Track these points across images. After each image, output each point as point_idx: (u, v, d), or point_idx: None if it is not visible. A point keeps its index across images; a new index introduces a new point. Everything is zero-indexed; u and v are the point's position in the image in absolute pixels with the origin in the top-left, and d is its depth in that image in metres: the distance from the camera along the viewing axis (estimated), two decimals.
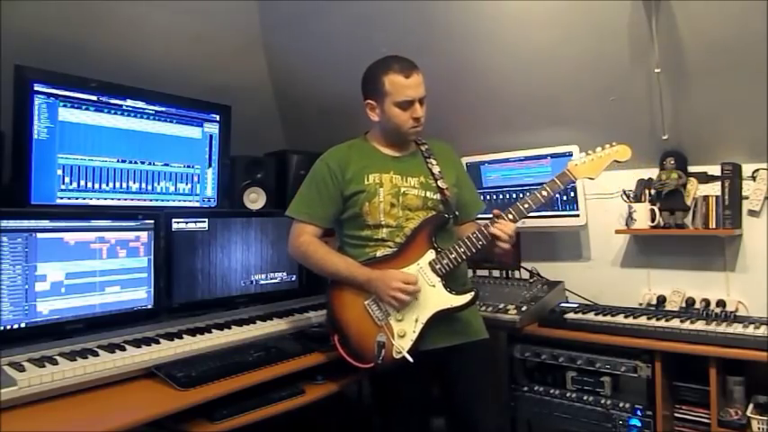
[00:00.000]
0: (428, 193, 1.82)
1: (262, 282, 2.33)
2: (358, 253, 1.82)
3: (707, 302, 2.28)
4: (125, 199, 2.16)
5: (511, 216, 1.72)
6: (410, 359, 1.67)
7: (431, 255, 1.74)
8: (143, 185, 2.20)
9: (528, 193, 1.76)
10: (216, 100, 2.43)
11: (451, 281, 1.75)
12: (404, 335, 1.70)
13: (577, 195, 2.46)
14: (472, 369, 1.83)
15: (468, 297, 1.73)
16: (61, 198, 1.98)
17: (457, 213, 1.85)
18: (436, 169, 1.86)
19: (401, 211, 1.79)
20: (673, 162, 2.31)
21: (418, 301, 1.71)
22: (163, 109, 2.24)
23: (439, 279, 1.73)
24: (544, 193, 1.75)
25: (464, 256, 1.74)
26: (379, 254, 1.79)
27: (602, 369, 2.10)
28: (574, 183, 1.78)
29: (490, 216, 1.75)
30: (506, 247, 1.72)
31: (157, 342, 1.77)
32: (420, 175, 1.84)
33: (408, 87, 1.74)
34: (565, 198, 2.50)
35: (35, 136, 1.90)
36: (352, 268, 1.75)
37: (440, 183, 1.84)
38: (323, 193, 1.82)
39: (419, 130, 1.81)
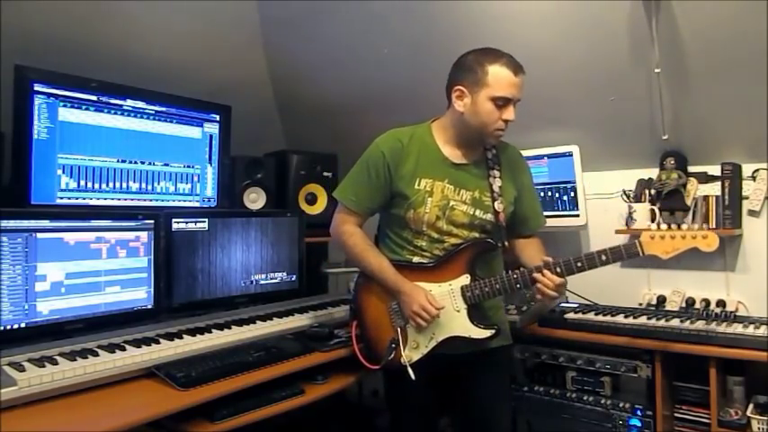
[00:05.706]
0: (477, 212, 1.74)
1: (262, 282, 2.33)
2: (396, 250, 1.80)
3: (707, 302, 2.27)
4: (125, 199, 2.16)
5: (559, 270, 1.63)
6: (412, 376, 1.65)
7: (465, 279, 1.70)
8: (143, 185, 2.20)
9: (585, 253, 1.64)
10: (216, 100, 2.43)
11: (478, 311, 1.72)
12: (416, 346, 1.70)
13: (577, 195, 2.45)
14: (493, 373, 1.81)
15: (487, 333, 1.69)
16: (61, 198, 1.98)
17: (506, 244, 1.77)
18: (497, 184, 1.75)
19: (446, 225, 1.73)
20: (673, 162, 2.31)
21: (440, 319, 1.67)
22: (163, 109, 2.24)
23: (465, 307, 1.69)
24: (603, 257, 1.62)
25: (497, 294, 1.70)
26: (415, 260, 1.76)
27: (602, 369, 2.10)
28: (639, 256, 1.62)
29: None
30: (548, 301, 1.66)
31: (157, 342, 1.77)
32: (475, 190, 1.74)
33: (512, 85, 1.62)
34: (565, 198, 2.49)
35: (35, 136, 1.90)
36: (387, 274, 1.73)
37: (496, 204, 1.74)
38: (373, 181, 1.75)
39: (502, 135, 1.70)
